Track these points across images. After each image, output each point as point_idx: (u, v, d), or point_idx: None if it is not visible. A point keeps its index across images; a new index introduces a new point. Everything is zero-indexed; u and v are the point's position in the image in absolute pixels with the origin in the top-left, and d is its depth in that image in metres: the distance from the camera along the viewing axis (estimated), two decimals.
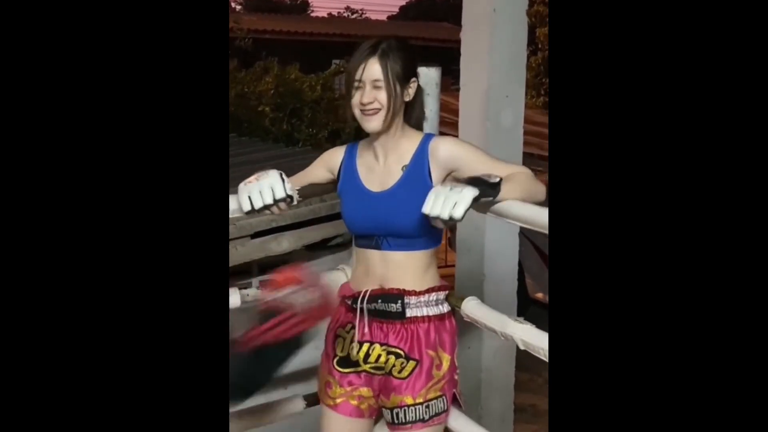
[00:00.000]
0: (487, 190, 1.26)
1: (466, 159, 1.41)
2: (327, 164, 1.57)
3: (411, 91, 1.45)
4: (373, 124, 1.42)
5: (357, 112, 1.43)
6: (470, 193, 1.22)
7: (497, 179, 1.29)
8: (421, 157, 1.43)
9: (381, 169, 1.47)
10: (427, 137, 1.46)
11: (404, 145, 1.45)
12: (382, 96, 1.40)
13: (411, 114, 1.49)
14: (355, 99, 1.43)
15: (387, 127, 1.43)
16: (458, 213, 1.21)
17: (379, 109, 1.41)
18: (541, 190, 1.36)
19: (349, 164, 1.52)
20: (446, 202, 1.21)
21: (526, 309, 3.58)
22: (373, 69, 1.40)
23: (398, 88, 1.41)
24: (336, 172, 1.54)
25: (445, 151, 1.42)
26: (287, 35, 12.94)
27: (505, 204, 1.31)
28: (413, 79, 1.45)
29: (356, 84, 1.42)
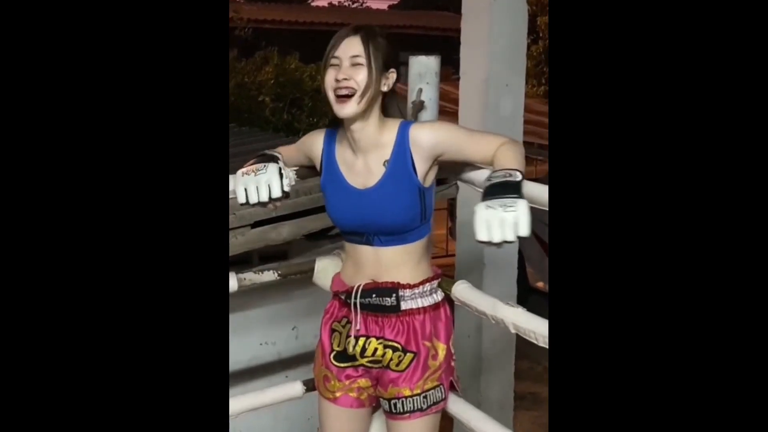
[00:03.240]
0: (521, 189, 1.20)
1: (450, 141, 1.37)
2: (304, 150, 1.50)
3: (389, 82, 1.37)
4: (346, 109, 1.32)
5: (330, 94, 1.33)
6: (524, 205, 1.16)
7: (519, 177, 1.23)
8: (401, 149, 1.36)
9: (361, 166, 1.40)
10: (404, 126, 1.39)
11: (382, 139, 1.38)
12: (360, 76, 1.31)
13: (387, 111, 1.41)
14: (330, 77, 1.33)
15: (361, 115, 1.34)
16: (525, 231, 1.14)
17: (355, 91, 1.31)
18: (522, 152, 1.33)
19: (329, 157, 1.44)
20: (504, 224, 1.14)
21: (526, 298, 3.60)
22: (353, 44, 1.33)
23: (378, 71, 1.33)
24: (317, 160, 1.47)
25: (427, 140, 1.36)
26: (287, 25, 12.87)
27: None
28: (392, 70, 1.37)
29: (333, 61, 1.34)
